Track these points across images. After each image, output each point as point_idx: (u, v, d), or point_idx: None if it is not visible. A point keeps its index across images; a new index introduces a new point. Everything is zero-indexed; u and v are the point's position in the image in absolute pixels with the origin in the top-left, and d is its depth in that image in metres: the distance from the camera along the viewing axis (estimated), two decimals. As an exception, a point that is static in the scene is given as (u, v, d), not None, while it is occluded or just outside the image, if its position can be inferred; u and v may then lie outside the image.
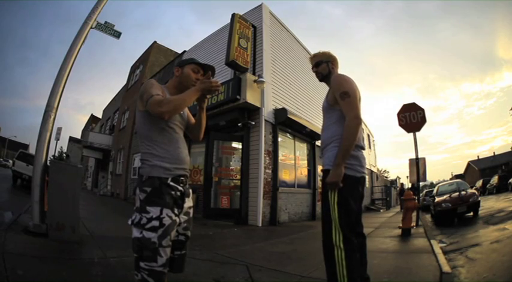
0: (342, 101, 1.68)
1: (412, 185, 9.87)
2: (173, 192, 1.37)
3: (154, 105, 1.29)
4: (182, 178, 1.43)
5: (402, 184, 14.90)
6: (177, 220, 1.37)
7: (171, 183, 1.37)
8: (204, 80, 1.43)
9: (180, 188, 1.41)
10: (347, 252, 1.55)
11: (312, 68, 2.01)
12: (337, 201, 1.62)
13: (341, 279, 1.53)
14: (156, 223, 1.27)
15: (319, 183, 9.35)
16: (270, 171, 7.29)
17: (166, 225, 1.29)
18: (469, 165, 45.27)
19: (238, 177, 7.36)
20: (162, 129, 1.41)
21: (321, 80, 1.99)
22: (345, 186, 1.63)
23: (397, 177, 14.36)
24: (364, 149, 1.77)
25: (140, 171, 1.39)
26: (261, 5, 8.49)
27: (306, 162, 9.74)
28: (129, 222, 1.33)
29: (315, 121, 9.68)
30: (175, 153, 1.42)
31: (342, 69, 2.00)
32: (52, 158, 15.62)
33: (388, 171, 43.24)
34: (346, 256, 1.54)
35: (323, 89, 1.90)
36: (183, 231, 1.46)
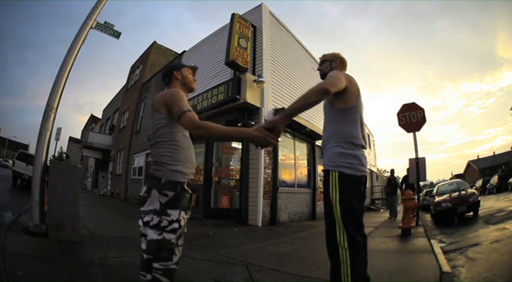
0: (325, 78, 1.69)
1: (403, 178, 8.59)
2: (187, 195, 1.46)
3: (188, 123, 1.34)
4: (190, 181, 1.51)
5: (392, 171, 9.74)
6: (184, 221, 1.44)
7: (186, 188, 1.45)
8: (270, 135, 1.30)
9: (190, 191, 1.49)
10: (352, 251, 1.54)
11: (318, 67, 2.03)
12: (340, 201, 1.61)
13: (345, 278, 1.52)
14: (176, 225, 1.33)
15: (319, 183, 9.35)
16: (270, 171, 7.28)
17: (183, 226, 1.38)
18: (469, 164, 45.26)
19: (238, 177, 7.36)
20: (184, 135, 1.47)
21: (321, 78, 1.97)
22: (346, 185, 1.62)
23: (397, 176, 10.56)
24: (365, 148, 1.76)
25: (157, 174, 1.38)
26: (260, 5, 8.48)
27: (305, 162, 9.74)
28: (140, 223, 1.34)
29: (315, 121, 9.69)
30: (191, 158, 1.50)
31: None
32: (52, 158, 15.61)
33: (388, 171, 42.95)
34: (351, 256, 1.53)
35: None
36: None
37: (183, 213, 1.38)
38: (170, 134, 1.42)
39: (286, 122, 1.47)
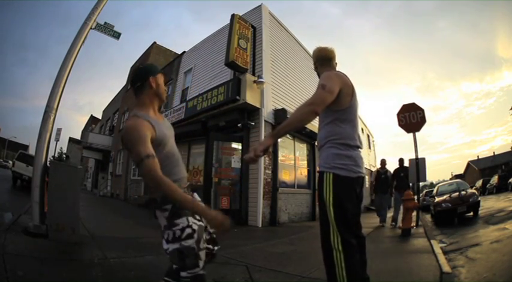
0: (316, 90, 1.65)
1: (394, 173, 6.96)
2: None
3: (146, 173, 1.21)
4: (184, 189, 1.46)
5: (383, 162, 7.51)
6: (202, 224, 1.40)
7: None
8: (222, 223, 1.26)
9: (189, 193, 1.46)
10: (346, 254, 1.53)
11: (314, 68, 2.05)
12: (333, 203, 1.60)
13: (341, 280, 1.51)
14: (189, 230, 1.31)
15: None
16: (270, 172, 7.28)
17: (197, 229, 1.34)
18: (468, 165, 45.27)
19: (238, 177, 7.35)
20: (166, 155, 1.39)
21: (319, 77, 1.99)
22: (339, 187, 1.61)
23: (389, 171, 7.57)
24: (361, 148, 1.74)
25: (152, 196, 1.37)
26: (260, 5, 8.49)
27: (305, 162, 9.74)
28: (165, 246, 1.32)
29: (315, 121, 9.68)
30: (181, 173, 1.47)
31: (340, 68, 1.97)
32: (52, 158, 15.61)
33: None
34: (345, 258, 1.52)
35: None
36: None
37: (190, 218, 1.34)
38: None
39: (269, 142, 1.65)
